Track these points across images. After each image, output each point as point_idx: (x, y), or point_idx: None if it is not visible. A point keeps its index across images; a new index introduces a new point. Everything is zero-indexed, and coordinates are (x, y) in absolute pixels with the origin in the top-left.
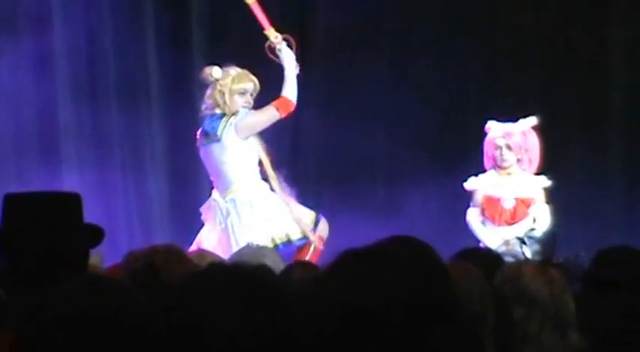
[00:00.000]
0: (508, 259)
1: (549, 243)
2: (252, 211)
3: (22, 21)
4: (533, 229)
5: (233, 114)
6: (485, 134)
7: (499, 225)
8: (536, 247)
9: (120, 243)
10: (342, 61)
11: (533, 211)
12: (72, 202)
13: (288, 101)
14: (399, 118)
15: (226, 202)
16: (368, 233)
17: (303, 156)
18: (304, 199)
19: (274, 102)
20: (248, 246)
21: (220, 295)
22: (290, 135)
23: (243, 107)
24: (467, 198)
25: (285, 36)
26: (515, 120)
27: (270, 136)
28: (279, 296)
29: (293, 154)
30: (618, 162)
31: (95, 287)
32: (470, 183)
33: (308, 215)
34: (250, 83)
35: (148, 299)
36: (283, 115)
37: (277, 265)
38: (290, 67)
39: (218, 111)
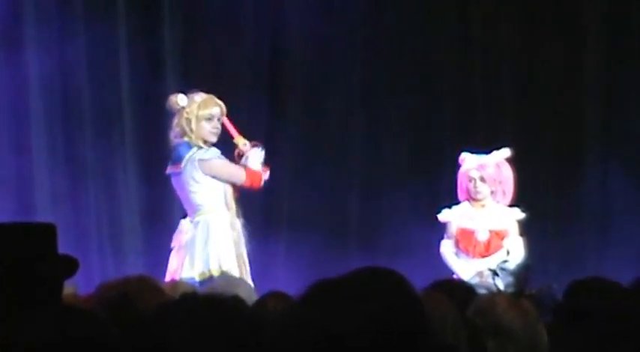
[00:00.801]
0: (481, 291)
1: (522, 274)
2: (208, 234)
3: None
4: (505, 261)
5: (201, 145)
6: (459, 166)
7: (473, 257)
8: (509, 279)
9: (93, 273)
10: (313, 100)
11: (507, 243)
12: (46, 232)
13: (259, 175)
14: (371, 151)
15: (192, 224)
16: (343, 267)
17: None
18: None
19: (248, 170)
20: (221, 277)
21: (192, 325)
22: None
23: (211, 132)
24: (441, 229)
25: (254, 143)
26: (488, 151)
27: None
28: (252, 327)
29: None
30: (594, 194)
31: (69, 318)
32: (444, 215)
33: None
34: (216, 108)
35: (121, 329)
36: (247, 184)
37: (250, 296)
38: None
39: (186, 139)
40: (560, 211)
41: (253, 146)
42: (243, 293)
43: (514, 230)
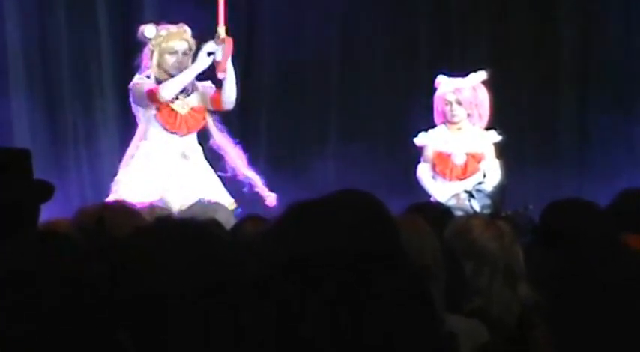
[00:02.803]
0: (458, 213)
1: (498, 196)
2: (138, 165)
3: None
4: (481, 183)
5: (163, 78)
6: (435, 89)
7: (450, 180)
8: (485, 201)
9: None
10: (293, 20)
11: (483, 166)
12: (22, 157)
13: (156, 94)
14: (350, 75)
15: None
16: (318, 186)
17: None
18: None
19: (148, 90)
20: (199, 202)
21: (167, 248)
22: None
23: (174, 67)
24: (417, 153)
25: (224, 38)
26: (465, 75)
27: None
28: (227, 249)
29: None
30: (570, 115)
31: (45, 242)
32: (420, 139)
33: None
34: (182, 42)
35: (97, 253)
36: (150, 103)
37: (228, 221)
38: (195, 67)
39: (152, 72)
40: (538, 134)
41: (221, 42)
42: (221, 218)
43: (490, 152)
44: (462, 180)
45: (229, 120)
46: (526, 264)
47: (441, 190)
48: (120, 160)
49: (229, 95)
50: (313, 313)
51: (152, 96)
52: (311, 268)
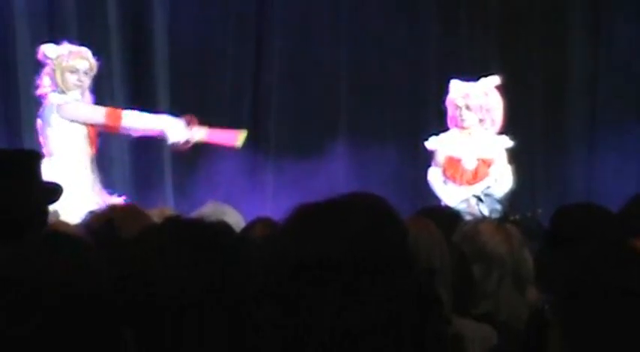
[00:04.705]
0: (467, 217)
1: (506, 201)
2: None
3: None
4: (489, 187)
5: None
6: (447, 94)
7: (461, 185)
8: (494, 205)
9: None
10: (302, 16)
11: (494, 171)
12: (31, 159)
13: (120, 115)
14: (361, 76)
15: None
16: (327, 189)
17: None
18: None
19: (109, 109)
20: (209, 204)
21: (175, 248)
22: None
23: (75, 85)
24: (428, 157)
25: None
26: (477, 79)
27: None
28: (236, 250)
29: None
30: (580, 120)
31: (55, 242)
32: (431, 143)
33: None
34: (82, 61)
35: (105, 253)
36: (106, 123)
37: (238, 223)
38: (157, 123)
39: (59, 89)
40: (547, 138)
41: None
42: (230, 220)
43: (502, 158)
44: (472, 184)
45: (240, 122)
46: (535, 268)
47: (451, 195)
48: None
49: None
50: (319, 314)
51: (114, 119)
52: (318, 270)
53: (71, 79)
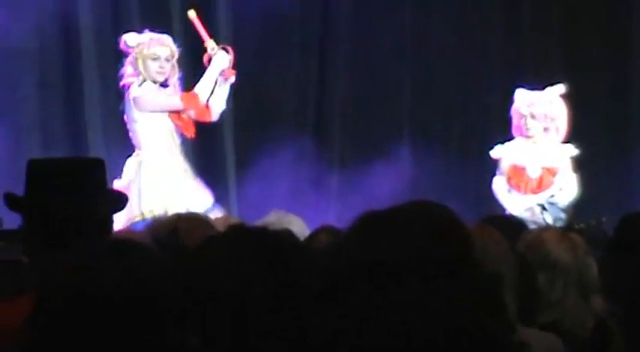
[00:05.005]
0: (532, 226)
1: (570, 209)
2: (147, 177)
3: None
4: (553, 195)
5: (145, 80)
6: (512, 102)
7: (525, 193)
8: (558, 213)
9: None
10: (366, 29)
11: (559, 180)
12: (96, 167)
13: (196, 97)
14: (424, 86)
15: (134, 162)
16: (391, 197)
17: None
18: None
19: (183, 93)
20: (273, 213)
21: (240, 256)
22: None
23: (158, 72)
24: (493, 166)
25: (223, 46)
26: (543, 88)
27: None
28: (299, 258)
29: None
30: None
31: (120, 251)
32: (496, 151)
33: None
34: (163, 48)
35: (171, 261)
36: (185, 107)
37: (302, 231)
38: (213, 71)
39: (140, 77)
40: (612, 146)
41: (221, 48)
42: (295, 229)
43: (567, 166)
44: (536, 193)
45: (304, 129)
46: (600, 277)
47: (515, 203)
48: None
49: (222, 106)
50: (383, 320)
51: (191, 101)
52: (381, 276)
53: (153, 66)
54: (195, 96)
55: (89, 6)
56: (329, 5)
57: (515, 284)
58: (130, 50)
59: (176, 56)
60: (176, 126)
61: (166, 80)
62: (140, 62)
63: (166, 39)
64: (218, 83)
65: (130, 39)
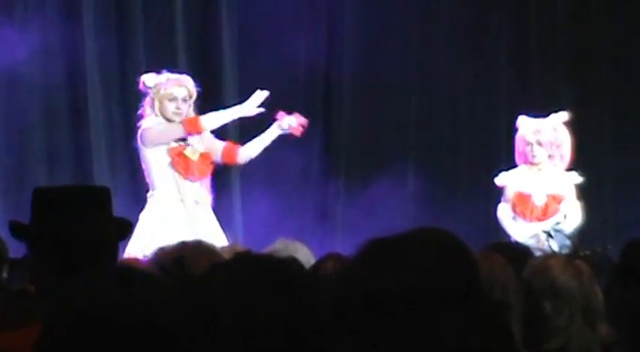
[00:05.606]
0: (537, 253)
1: (576, 236)
2: (148, 215)
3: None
4: (559, 222)
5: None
6: (516, 130)
7: (530, 221)
8: (563, 241)
9: None
10: (372, 56)
11: (564, 207)
12: (102, 195)
13: (197, 122)
14: (430, 110)
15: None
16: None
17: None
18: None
19: (185, 118)
20: (279, 241)
21: (246, 284)
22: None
23: (174, 113)
24: (498, 193)
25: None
26: (546, 115)
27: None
28: (305, 285)
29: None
30: None
31: (126, 277)
32: (501, 179)
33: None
34: (181, 89)
35: (177, 289)
36: (188, 132)
37: (308, 259)
38: (239, 110)
39: (160, 118)
40: (617, 173)
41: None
42: (301, 257)
43: (571, 194)
44: (542, 221)
45: (311, 152)
46: (605, 304)
47: (520, 231)
48: None
49: (253, 155)
50: (389, 348)
51: (191, 126)
52: (388, 304)
53: (170, 107)
54: (196, 119)
55: (95, 37)
56: (333, 34)
57: (521, 312)
58: (148, 90)
59: (194, 97)
60: (178, 172)
61: None
62: (157, 103)
63: (184, 79)
64: (271, 130)
65: (148, 79)
